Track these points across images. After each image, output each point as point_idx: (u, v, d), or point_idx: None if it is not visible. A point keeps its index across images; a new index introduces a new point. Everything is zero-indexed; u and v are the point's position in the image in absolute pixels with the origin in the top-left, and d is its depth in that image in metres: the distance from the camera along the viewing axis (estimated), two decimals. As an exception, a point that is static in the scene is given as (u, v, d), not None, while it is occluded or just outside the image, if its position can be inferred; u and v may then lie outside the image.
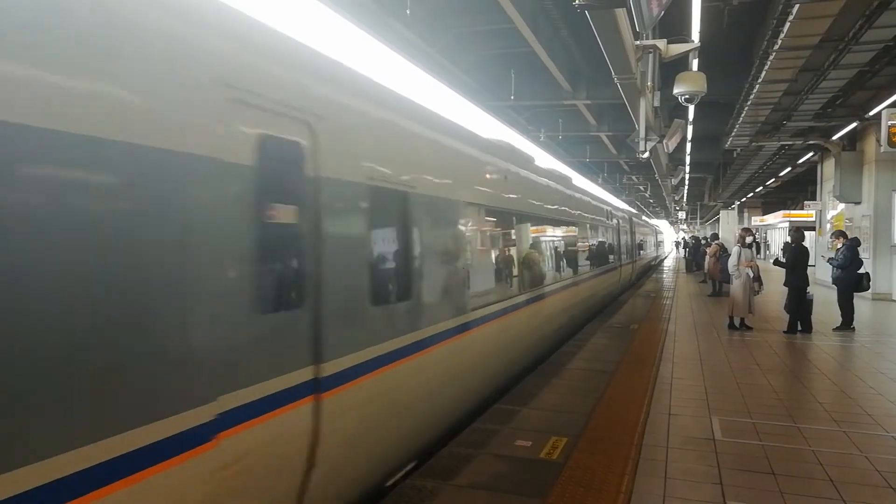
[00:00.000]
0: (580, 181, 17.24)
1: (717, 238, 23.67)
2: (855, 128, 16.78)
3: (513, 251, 7.79)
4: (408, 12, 9.94)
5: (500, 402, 6.51)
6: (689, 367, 8.37)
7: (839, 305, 11.52)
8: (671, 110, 16.66)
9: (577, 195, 12.89)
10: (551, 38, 13.48)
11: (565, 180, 12.12)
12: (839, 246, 11.63)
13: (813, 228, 23.77)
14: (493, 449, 5.09)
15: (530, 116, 20.78)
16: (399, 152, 4.80)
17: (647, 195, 45.53)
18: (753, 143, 19.28)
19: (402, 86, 5.75)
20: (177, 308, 2.60)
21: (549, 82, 16.04)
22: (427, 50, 13.21)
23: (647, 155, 11.73)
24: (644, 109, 10.77)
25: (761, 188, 33.78)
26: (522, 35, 12.06)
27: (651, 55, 9.36)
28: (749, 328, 11.62)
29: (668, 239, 70.68)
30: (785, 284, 11.33)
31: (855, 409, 6.42)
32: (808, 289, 11.21)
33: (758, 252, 30.94)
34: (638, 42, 9.16)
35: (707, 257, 20.02)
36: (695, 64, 10.27)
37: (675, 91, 9.86)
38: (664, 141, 13.44)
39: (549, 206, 9.83)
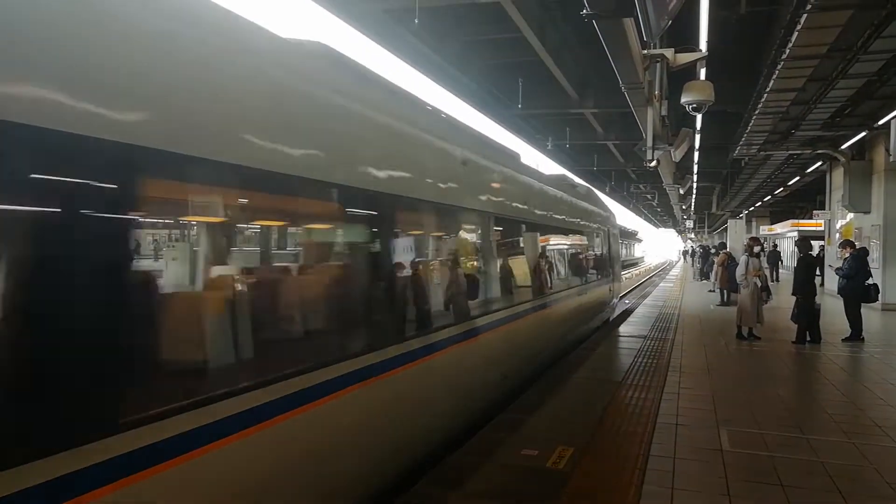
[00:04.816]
0: None
1: (725, 247, 23.59)
2: (864, 137, 16.69)
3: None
4: (416, 21, 9.99)
5: (507, 412, 6.50)
6: (697, 377, 8.33)
7: (847, 316, 11.44)
8: (679, 119, 16.66)
9: None
10: (559, 47, 13.50)
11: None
12: (846, 256, 11.57)
13: (822, 238, 23.65)
14: (499, 458, 5.08)
15: (538, 125, 20.80)
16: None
17: (654, 204, 45.44)
18: (762, 153, 19.21)
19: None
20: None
21: (557, 91, 16.05)
22: (434, 58, 13.27)
23: (654, 164, 11.70)
24: (651, 118, 10.75)
25: (769, 197, 33.63)
26: (530, 44, 12.09)
27: (659, 64, 9.35)
28: (757, 338, 11.55)
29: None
30: (793, 294, 11.28)
31: (864, 420, 6.38)
32: (817, 298, 11.15)
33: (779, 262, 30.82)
34: (645, 51, 9.16)
35: (715, 266, 19.95)
36: (702, 73, 10.27)
37: (683, 100, 9.84)
38: (672, 150, 13.40)
39: None
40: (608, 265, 15.35)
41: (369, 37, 11.76)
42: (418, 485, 4.53)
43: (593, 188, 17.32)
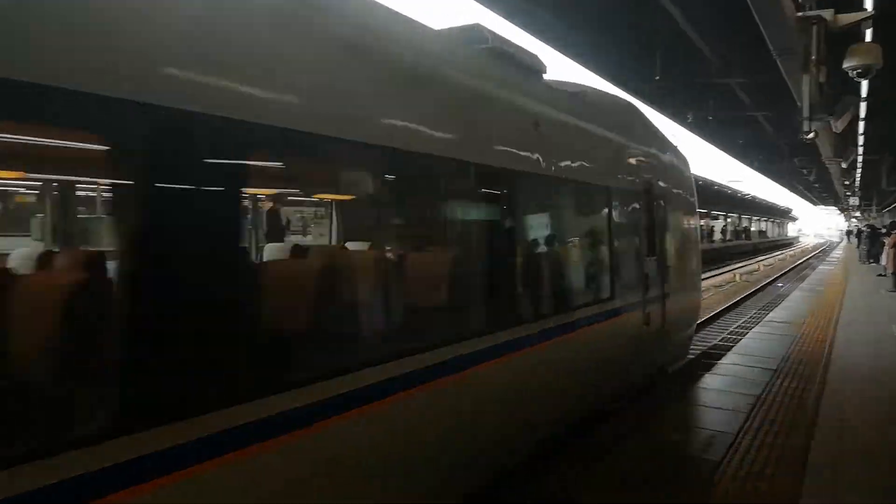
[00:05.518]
0: None
1: (897, 226, 21.34)
2: None
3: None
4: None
5: (650, 396, 6.36)
6: (865, 371, 7.63)
7: None
8: (840, 86, 15.21)
9: None
10: (700, 13, 12.76)
11: None
12: None
13: None
14: (644, 442, 4.98)
15: (676, 97, 19.85)
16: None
17: (811, 179, 41.88)
18: (944, 118, 17.06)
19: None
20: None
21: (698, 60, 15.20)
22: (564, 30, 13.11)
23: (811, 136, 10.78)
24: (808, 87, 9.91)
25: (955, 169, 29.83)
26: (669, 12, 11.54)
27: (816, 27, 8.60)
28: (938, 327, 10.34)
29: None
30: None
31: None
32: None
33: None
34: (800, 13, 8.46)
35: (886, 248, 18.13)
36: (868, 34, 9.28)
37: (846, 65, 8.97)
38: (832, 121, 12.26)
39: None
40: (642, 263, 7.16)
41: (501, 15, 11.86)
42: (558, 464, 4.55)
43: (634, 104, 9.23)
